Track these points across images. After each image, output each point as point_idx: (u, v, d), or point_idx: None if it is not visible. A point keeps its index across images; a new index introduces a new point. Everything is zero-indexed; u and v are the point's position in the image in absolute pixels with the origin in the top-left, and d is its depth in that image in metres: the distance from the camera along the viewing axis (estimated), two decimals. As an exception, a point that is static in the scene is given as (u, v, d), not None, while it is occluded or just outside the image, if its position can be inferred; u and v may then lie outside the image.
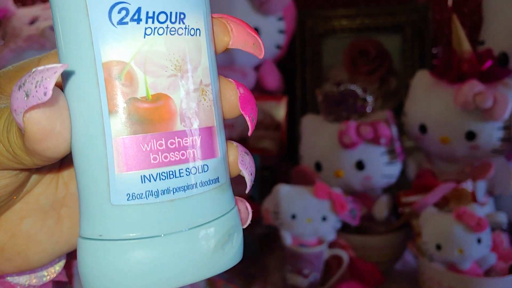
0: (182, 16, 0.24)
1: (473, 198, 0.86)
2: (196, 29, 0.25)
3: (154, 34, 0.23)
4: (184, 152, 0.24)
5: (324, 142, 1.00)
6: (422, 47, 1.24)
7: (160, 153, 0.23)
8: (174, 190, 0.24)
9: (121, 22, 0.23)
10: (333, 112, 1.00)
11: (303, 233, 0.86)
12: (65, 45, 0.23)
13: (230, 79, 0.28)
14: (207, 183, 0.25)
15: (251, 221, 0.30)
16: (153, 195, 0.23)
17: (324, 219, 0.85)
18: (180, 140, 0.24)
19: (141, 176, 0.23)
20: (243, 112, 0.28)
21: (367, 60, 1.24)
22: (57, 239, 0.29)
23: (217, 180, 0.26)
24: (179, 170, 0.24)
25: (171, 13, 0.24)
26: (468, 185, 0.88)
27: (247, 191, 0.29)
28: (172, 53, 0.24)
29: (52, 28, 0.75)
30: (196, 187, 0.25)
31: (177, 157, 0.24)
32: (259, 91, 1.22)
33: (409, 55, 1.25)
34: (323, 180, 0.93)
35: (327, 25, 1.32)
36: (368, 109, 0.99)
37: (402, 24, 1.26)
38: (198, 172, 0.25)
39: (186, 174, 0.24)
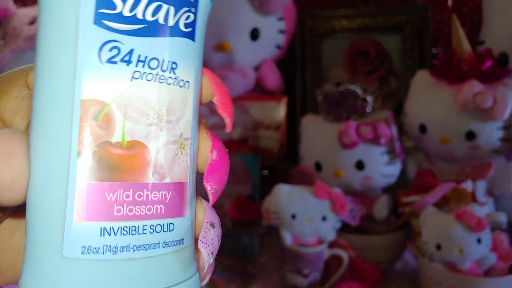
0: (174, 66, 0.23)
1: (473, 198, 0.86)
2: (186, 81, 0.24)
3: (142, 79, 0.22)
4: (151, 207, 0.22)
5: (324, 142, 1.00)
6: (422, 47, 1.24)
7: (125, 205, 0.21)
8: (135, 248, 0.22)
9: (110, 60, 0.21)
10: (333, 112, 1.00)
11: (303, 233, 0.86)
12: (45, 72, 0.22)
13: (208, 136, 0.27)
14: (171, 244, 0.23)
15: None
16: (111, 251, 0.21)
17: (324, 219, 0.85)
18: (149, 193, 0.22)
19: (101, 228, 0.21)
20: (205, 183, 0.26)
21: (367, 60, 1.24)
22: None
23: (181, 241, 0.24)
24: (143, 226, 0.22)
25: (163, 61, 0.23)
26: (468, 185, 0.88)
27: (203, 276, 0.27)
28: (157, 101, 0.22)
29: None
30: (159, 247, 0.23)
31: (142, 211, 0.22)
32: (259, 91, 1.22)
33: (409, 55, 1.25)
34: (323, 180, 0.93)
35: (327, 25, 1.32)
36: (368, 109, 0.99)
37: (402, 24, 1.26)
38: (163, 231, 0.23)
39: (150, 232, 0.22)
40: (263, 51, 1.21)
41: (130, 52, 0.22)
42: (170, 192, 0.23)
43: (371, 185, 0.99)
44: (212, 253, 0.27)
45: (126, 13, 0.21)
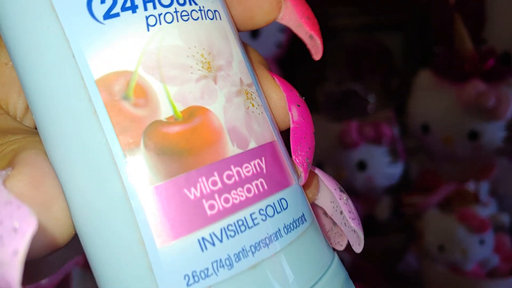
0: None
1: (476, 199, 0.86)
2: (214, 11, 0.18)
3: (160, 24, 0.16)
4: (250, 186, 0.16)
5: (326, 142, 0.99)
6: (424, 46, 1.23)
7: (217, 196, 0.15)
8: (253, 249, 0.16)
9: (109, 14, 0.15)
10: (334, 112, 0.99)
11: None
12: (31, 62, 0.16)
13: (275, 81, 0.20)
14: (293, 225, 0.17)
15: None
16: (226, 266, 0.15)
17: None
18: (239, 169, 0.16)
19: (198, 240, 0.15)
20: (294, 157, 0.19)
21: (368, 59, 1.23)
22: None
23: (303, 219, 0.18)
24: (251, 215, 0.16)
25: None
26: (470, 186, 0.88)
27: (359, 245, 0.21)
28: (192, 46, 0.16)
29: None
30: (281, 235, 0.16)
31: (241, 196, 0.16)
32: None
33: (411, 54, 1.24)
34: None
35: (329, 24, 1.31)
36: (370, 109, 0.99)
37: (404, 23, 1.25)
38: (277, 212, 0.17)
39: (263, 219, 0.16)
40: (263, 50, 1.20)
41: None
42: (263, 158, 0.17)
43: (373, 186, 0.98)
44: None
45: None
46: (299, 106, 0.20)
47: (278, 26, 1.21)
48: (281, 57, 1.26)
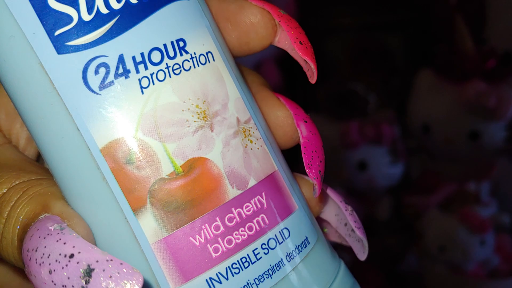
0: (181, 44, 0.17)
1: (477, 199, 0.85)
2: (207, 53, 0.18)
3: (153, 83, 0.17)
4: (252, 225, 0.18)
5: (326, 143, 0.99)
6: (425, 46, 1.23)
7: (220, 239, 0.17)
8: (257, 281, 0.17)
9: (104, 84, 0.16)
10: (335, 112, 0.99)
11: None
12: (46, 140, 0.17)
13: (280, 100, 0.21)
14: (296, 252, 0.18)
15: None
16: None
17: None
18: (241, 210, 0.18)
19: (207, 280, 0.17)
20: (308, 171, 0.20)
21: (369, 59, 1.23)
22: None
23: (306, 241, 0.19)
24: (254, 251, 0.17)
25: (165, 46, 0.17)
26: (471, 186, 0.88)
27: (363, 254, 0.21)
28: (187, 98, 0.17)
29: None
30: (284, 264, 0.18)
31: (244, 235, 0.17)
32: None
33: (411, 54, 1.24)
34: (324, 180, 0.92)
35: (329, 23, 1.31)
36: (370, 108, 0.99)
37: (404, 22, 1.25)
38: (279, 243, 0.18)
39: (265, 253, 0.18)
40: (264, 50, 1.20)
41: (121, 59, 0.16)
42: (263, 193, 0.18)
43: (373, 186, 0.98)
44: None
45: (86, 17, 0.16)
46: (306, 122, 0.21)
47: (278, 25, 1.21)
48: (281, 57, 1.26)
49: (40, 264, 0.15)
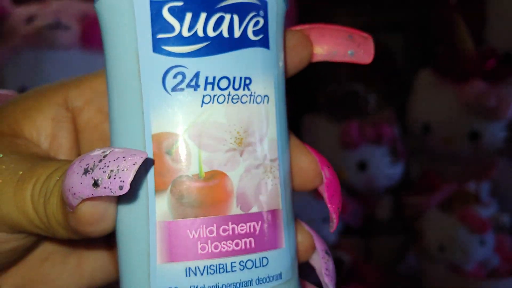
0: (247, 81, 0.21)
1: (477, 199, 0.85)
2: (264, 96, 0.21)
3: (213, 103, 0.20)
4: (239, 242, 0.20)
5: (326, 142, 0.99)
6: (425, 46, 1.23)
7: (209, 241, 0.20)
8: (224, 287, 0.20)
9: (176, 88, 0.20)
10: (335, 112, 0.99)
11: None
12: (116, 108, 0.21)
13: (309, 150, 0.24)
14: (266, 280, 0.21)
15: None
16: None
17: (325, 220, 0.84)
18: (235, 226, 0.20)
19: (186, 268, 0.20)
20: (329, 205, 0.23)
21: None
22: (77, 282, 0.27)
23: (279, 276, 0.21)
24: (231, 263, 0.20)
25: (234, 78, 0.20)
26: (471, 186, 0.88)
27: None
28: (233, 124, 0.20)
29: (49, 27, 0.74)
30: (251, 284, 0.21)
31: (229, 247, 0.20)
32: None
33: (412, 54, 1.24)
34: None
35: (329, 23, 1.31)
36: (370, 109, 0.99)
37: (405, 23, 1.25)
38: (255, 267, 0.21)
39: (240, 269, 0.20)
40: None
41: (196, 75, 0.20)
42: (260, 222, 0.21)
43: (373, 186, 0.98)
44: (335, 284, 0.24)
45: (186, 33, 0.20)
46: (329, 167, 0.24)
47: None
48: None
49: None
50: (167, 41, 0.20)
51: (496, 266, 0.82)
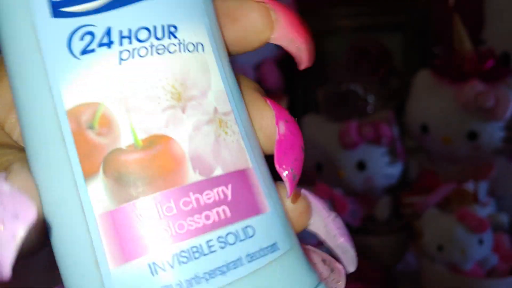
0: (172, 29, 0.17)
1: (475, 199, 0.86)
2: (197, 44, 0.18)
3: (133, 57, 0.17)
4: (209, 214, 0.16)
5: (325, 143, 0.99)
6: (423, 46, 1.23)
7: (171, 222, 0.16)
8: (207, 276, 0.16)
9: (85, 50, 0.16)
10: (334, 112, 0.99)
11: (303, 235, 0.86)
12: (20, 92, 0.17)
13: (266, 102, 0.20)
14: (260, 254, 0.17)
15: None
16: None
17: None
18: (199, 196, 0.16)
19: (149, 265, 0.15)
20: (278, 167, 0.19)
21: (368, 60, 1.23)
22: None
23: (274, 247, 0.17)
24: (207, 242, 0.16)
25: (155, 27, 0.17)
26: (469, 186, 0.88)
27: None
28: (164, 77, 0.17)
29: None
30: (242, 264, 0.16)
31: (198, 223, 0.16)
32: (259, 91, 1.21)
33: (410, 54, 1.25)
34: (323, 180, 0.93)
35: (328, 24, 1.31)
36: (369, 109, 0.99)
37: (403, 23, 1.25)
38: (240, 240, 0.16)
39: (221, 247, 0.16)
40: (263, 50, 1.20)
41: (108, 31, 0.17)
42: (229, 185, 0.17)
43: (372, 186, 0.98)
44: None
45: None
46: (287, 121, 0.20)
47: (277, 26, 1.21)
48: (281, 57, 1.26)
49: None
50: (67, 2, 0.16)
51: (494, 265, 0.82)
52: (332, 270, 0.21)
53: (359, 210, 0.86)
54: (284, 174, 0.19)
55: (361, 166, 0.96)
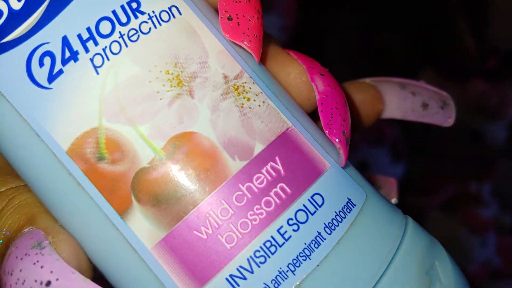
0: (134, 5, 0.14)
1: (478, 200, 0.85)
2: (170, 8, 0.15)
3: (108, 59, 0.14)
4: (269, 199, 0.14)
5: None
6: (426, 45, 1.23)
7: (231, 225, 0.14)
8: (293, 267, 0.14)
9: (52, 76, 0.14)
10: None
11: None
12: (9, 152, 0.15)
13: (292, 56, 0.17)
14: (337, 220, 0.15)
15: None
16: None
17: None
18: (251, 184, 0.14)
19: (227, 279, 0.14)
20: (327, 133, 0.16)
21: (369, 59, 1.23)
22: None
23: (350, 204, 0.16)
24: (278, 230, 0.14)
25: (114, 12, 0.14)
26: (472, 187, 0.87)
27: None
28: (152, 66, 0.14)
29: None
30: (323, 238, 0.14)
31: (261, 214, 0.14)
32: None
33: (412, 53, 1.24)
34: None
35: (329, 22, 1.31)
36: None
37: (405, 22, 1.25)
38: (311, 214, 0.15)
39: (294, 230, 0.14)
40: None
41: (65, 41, 0.14)
42: (277, 158, 0.15)
43: (375, 186, 0.98)
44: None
45: (16, 4, 0.14)
46: (323, 75, 0.18)
47: (278, 25, 1.20)
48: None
49: None
50: (3, 32, 0.14)
51: (497, 267, 0.81)
52: (381, 187, 0.20)
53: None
54: (337, 140, 0.16)
55: (363, 166, 0.96)
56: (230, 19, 0.15)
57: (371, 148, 0.95)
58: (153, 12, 0.15)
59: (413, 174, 1.05)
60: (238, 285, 0.14)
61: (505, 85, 0.88)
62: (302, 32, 1.31)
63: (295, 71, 0.17)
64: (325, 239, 0.14)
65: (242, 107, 0.15)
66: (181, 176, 0.14)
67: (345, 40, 1.29)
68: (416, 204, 0.91)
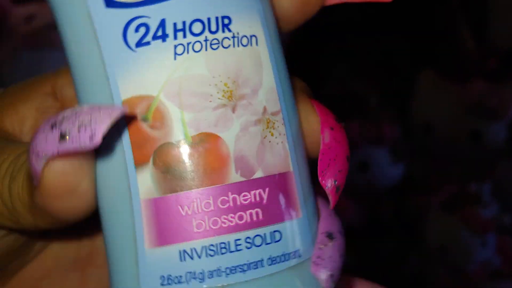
0: (226, 21, 0.17)
1: (478, 200, 0.85)
2: (251, 37, 0.18)
3: (188, 53, 0.17)
4: (243, 214, 0.17)
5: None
6: (426, 45, 1.23)
7: (207, 217, 0.17)
8: (228, 271, 0.17)
9: (140, 43, 0.17)
10: (335, 112, 0.99)
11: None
12: (78, 79, 0.18)
13: (312, 105, 0.20)
14: (281, 259, 0.18)
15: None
16: (197, 279, 0.17)
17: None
18: (236, 196, 0.17)
19: (179, 251, 0.17)
20: (320, 179, 0.19)
21: (370, 59, 1.23)
22: None
23: (296, 254, 0.18)
24: (235, 241, 0.17)
25: (209, 19, 0.17)
26: (473, 187, 0.88)
27: None
28: (217, 74, 0.17)
29: (49, 27, 0.74)
30: (262, 265, 0.17)
31: (231, 221, 0.17)
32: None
33: (413, 54, 1.24)
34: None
35: (330, 23, 1.31)
36: (371, 109, 0.98)
37: (406, 22, 1.25)
38: (266, 243, 0.17)
39: (247, 247, 0.17)
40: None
41: (162, 23, 0.17)
42: (267, 189, 0.17)
43: (374, 187, 0.98)
44: (332, 275, 0.19)
45: None
46: (333, 129, 0.20)
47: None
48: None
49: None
50: None
51: (497, 267, 0.81)
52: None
53: (361, 211, 0.85)
54: (326, 186, 0.19)
55: (363, 167, 0.96)
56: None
57: (371, 148, 0.95)
58: (238, 33, 0.18)
59: (413, 174, 1.05)
60: (184, 260, 0.17)
61: (505, 85, 0.88)
62: (302, 32, 1.32)
63: (312, 120, 0.20)
64: (263, 266, 0.17)
65: (265, 137, 0.18)
66: (193, 163, 0.17)
67: (345, 40, 1.29)
68: (416, 204, 0.91)
